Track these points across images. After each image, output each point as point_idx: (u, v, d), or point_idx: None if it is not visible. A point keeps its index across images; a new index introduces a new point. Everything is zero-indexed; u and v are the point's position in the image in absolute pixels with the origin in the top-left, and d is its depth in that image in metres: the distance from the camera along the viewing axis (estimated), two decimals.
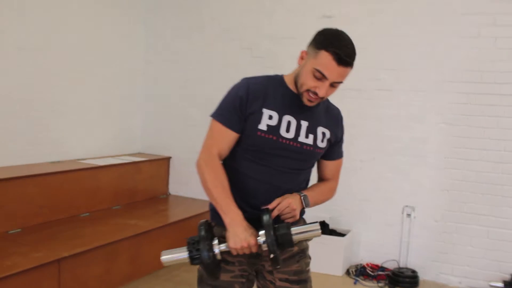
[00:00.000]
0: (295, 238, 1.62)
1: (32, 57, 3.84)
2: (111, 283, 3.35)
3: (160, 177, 4.79)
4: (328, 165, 1.96)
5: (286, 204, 1.71)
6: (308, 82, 1.65)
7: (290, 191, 1.79)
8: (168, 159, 4.90)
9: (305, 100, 1.70)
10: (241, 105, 1.71)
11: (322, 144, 1.81)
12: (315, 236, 1.68)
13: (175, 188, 4.92)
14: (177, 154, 4.87)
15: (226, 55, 4.56)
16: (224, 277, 1.77)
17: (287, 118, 1.74)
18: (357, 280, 3.79)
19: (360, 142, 4.04)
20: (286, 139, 1.73)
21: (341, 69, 1.61)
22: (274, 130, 1.71)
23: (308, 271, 1.89)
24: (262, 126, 1.71)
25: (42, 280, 2.86)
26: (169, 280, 3.63)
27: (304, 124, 1.76)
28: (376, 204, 4.02)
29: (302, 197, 1.78)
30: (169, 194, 4.93)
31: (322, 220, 4.03)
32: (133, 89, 4.93)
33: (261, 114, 1.71)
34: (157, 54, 4.95)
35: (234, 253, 1.61)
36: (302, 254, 1.89)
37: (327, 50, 1.61)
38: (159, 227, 3.73)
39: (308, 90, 1.67)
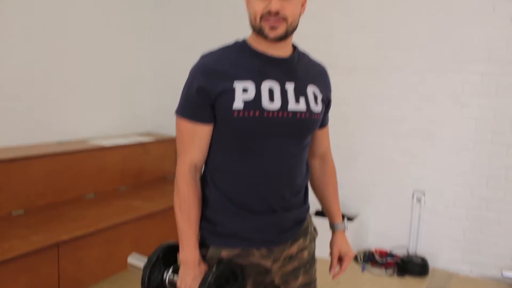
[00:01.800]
0: None
1: (41, 36, 3.73)
2: (112, 267, 3.25)
3: (168, 157, 4.64)
4: (321, 134, 1.67)
5: (349, 261, 1.59)
6: (256, 7, 1.37)
7: (298, 177, 1.50)
8: None
9: (267, 32, 1.37)
10: (202, 90, 1.39)
11: (317, 108, 1.48)
12: None
13: None
14: None
15: (237, 33, 4.35)
16: None
17: (267, 84, 1.40)
18: (364, 267, 3.62)
19: (370, 124, 3.86)
20: (272, 111, 1.38)
21: None
22: (254, 104, 1.37)
23: (315, 279, 1.68)
24: (238, 104, 1.36)
25: (40, 264, 2.76)
26: None
27: (290, 86, 1.43)
28: (385, 188, 3.85)
29: (344, 229, 1.63)
30: None
31: None
32: (143, 68, 4.79)
33: (232, 90, 1.37)
34: (167, 33, 4.80)
35: None
36: (312, 261, 1.65)
37: None
38: (164, 209, 3.61)
39: (262, 16, 1.36)
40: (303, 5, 1.45)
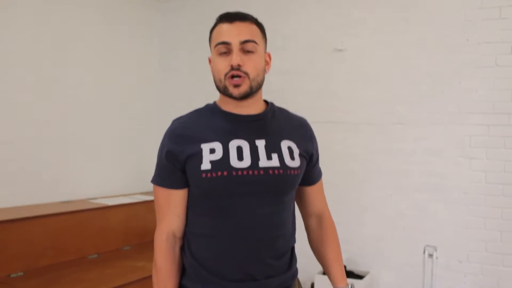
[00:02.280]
0: None
1: (44, 94, 3.73)
2: None
3: None
4: (312, 191, 1.57)
5: None
6: (219, 66, 1.38)
7: (282, 240, 1.40)
8: None
9: (232, 90, 1.37)
10: (171, 155, 1.40)
11: (294, 163, 1.40)
12: None
13: None
14: None
15: None
16: None
17: (235, 143, 1.36)
18: None
19: (376, 178, 3.76)
20: (242, 169, 1.33)
21: (237, 25, 1.37)
22: (221, 163, 1.33)
23: None
24: (205, 165, 1.33)
25: None
26: None
27: (261, 143, 1.38)
28: (395, 243, 3.69)
29: None
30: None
31: None
32: (148, 126, 4.77)
33: (200, 152, 1.35)
34: (172, 91, 4.82)
35: None
36: None
37: (215, 25, 1.43)
38: None
39: (226, 75, 1.37)
40: (267, 63, 1.44)
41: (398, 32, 3.69)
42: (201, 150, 1.36)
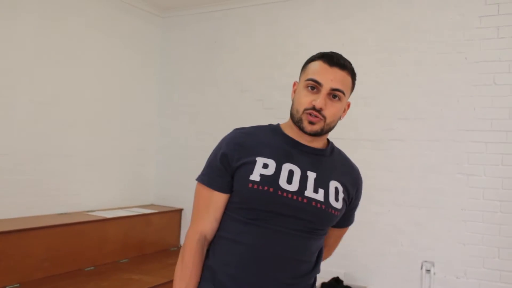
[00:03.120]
0: None
1: (44, 109, 3.68)
2: None
3: (171, 229, 4.47)
4: (333, 233, 1.60)
5: None
6: (303, 99, 1.39)
7: (304, 264, 1.40)
8: (180, 211, 4.60)
9: (305, 125, 1.39)
10: (225, 158, 1.40)
11: (337, 204, 1.42)
12: None
13: None
14: (189, 205, 4.50)
15: (239, 107, 4.33)
16: None
17: (288, 166, 1.38)
18: None
19: (374, 194, 3.70)
20: (288, 191, 1.34)
21: (335, 71, 1.37)
22: (270, 180, 1.35)
23: None
24: (255, 176, 1.35)
25: None
26: None
27: (312, 175, 1.40)
28: (393, 259, 3.62)
29: None
30: (181, 246, 4.53)
31: (336, 276, 3.62)
32: (147, 140, 4.73)
33: (253, 163, 1.37)
34: (171, 106, 4.79)
35: None
36: None
37: (314, 59, 1.41)
38: (164, 283, 3.37)
39: (305, 110, 1.38)
40: (345, 110, 1.47)
41: (398, 50, 3.67)
42: (255, 161, 1.37)
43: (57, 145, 3.76)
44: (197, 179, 1.46)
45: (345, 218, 1.56)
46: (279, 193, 1.33)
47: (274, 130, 1.49)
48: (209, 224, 1.42)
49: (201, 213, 1.42)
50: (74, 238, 3.45)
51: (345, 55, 4.10)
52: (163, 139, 4.80)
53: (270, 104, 4.19)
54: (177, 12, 4.78)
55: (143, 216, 4.12)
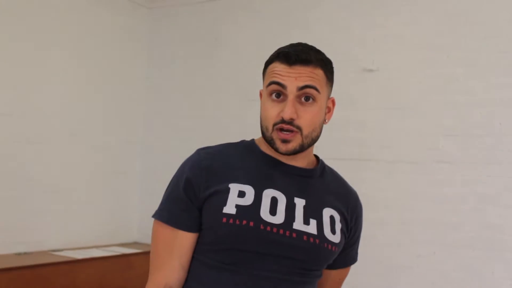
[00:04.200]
0: None
1: (3, 123, 3.66)
2: None
3: None
4: (331, 275, 1.55)
5: None
6: (269, 112, 1.37)
7: None
8: None
9: (278, 145, 1.36)
10: (190, 188, 1.37)
11: (334, 237, 1.41)
12: None
13: None
14: None
15: (244, 120, 4.29)
16: None
17: (269, 193, 1.36)
18: None
19: (415, 232, 3.62)
20: (272, 225, 1.32)
21: (297, 69, 1.35)
22: (249, 211, 1.33)
23: None
24: (229, 209, 1.32)
25: None
26: None
27: (300, 202, 1.39)
28: None
29: None
30: None
31: None
32: (129, 161, 4.73)
33: (227, 192, 1.35)
34: (159, 119, 4.79)
35: None
36: None
37: (272, 61, 1.42)
38: None
39: (275, 125, 1.35)
40: (329, 110, 1.43)
41: (444, 48, 3.63)
42: (228, 189, 1.35)
43: (14, 167, 3.74)
44: (154, 216, 1.42)
45: (345, 256, 1.54)
46: (262, 227, 1.32)
47: (249, 147, 1.48)
48: (174, 273, 1.38)
49: (161, 260, 1.39)
50: (35, 285, 3.41)
51: (377, 54, 4.06)
52: (149, 160, 4.78)
53: None
54: (168, 1, 4.79)
55: (123, 257, 4.10)
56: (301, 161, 1.45)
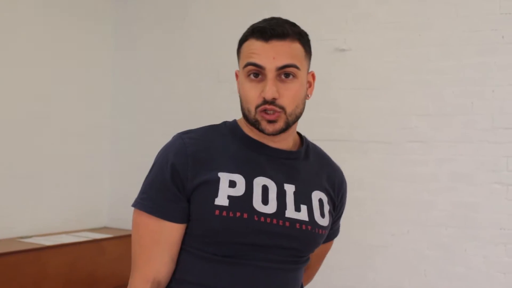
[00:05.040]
0: None
1: None
2: None
3: (130, 259, 4.34)
4: (319, 251, 1.58)
5: None
6: (250, 94, 1.34)
7: None
8: None
9: (264, 126, 1.34)
10: (177, 176, 1.31)
11: (323, 221, 1.41)
12: None
13: None
14: None
15: (215, 102, 4.26)
16: None
17: (260, 181, 1.34)
18: None
19: (389, 211, 3.66)
20: (266, 215, 1.31)
21: (274, 45, 1.32)
22: (242, 202, 1.30)
23: None
24: (221, 200, 1.28)
25: None
26: None
27: (290, 189, 1.37)
28: None
29: None
30: None
31: None
32: (97, 146, 4.66)
33: (216, 182, 1.31)
34: (128, 101, 4.73)
35: None
36: None
37: (247, 38, 1.39)
38: None
39: (258, 107, 1.32)
40: (310, 85, 1.41)
41: (416, 27, 3.64)
42: (218, 179, 1.31)
43: None
44: (135, 206, 1.36)
45: (330, 231, 1.55)
46: (255, 218, 1.30)
47: (232, 131, 1.44)
48: (163, 267, 1.33)
49: (147, 253, 1.33)
50: (3, 273, 3.36)
51: (349, 33, 4.07)
52: (118, 143, 4.73)
53: None
54: None
55: (93, 243, 4.06)
56: (285, 142, 1.44)
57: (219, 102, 4.27)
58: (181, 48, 4.48)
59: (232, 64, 4.29)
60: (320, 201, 1.43)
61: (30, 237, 3.91)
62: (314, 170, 1.48)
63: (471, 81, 3.48)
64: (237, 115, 4.49)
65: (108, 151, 4.74)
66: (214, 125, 1.47)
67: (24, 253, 3.51)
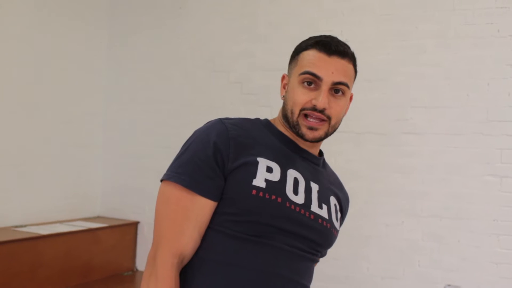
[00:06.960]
0: None
1: None
2: None
3: (125, 248, 4.40)
4: None
5: None
6: (299, 97, 1.39)
7: None
8: (135, 224, 4.53)
9: (305, 131, 1.39)
10: (218, 156, 1.33)
11: (337, 224, 1.50)
12: None
13: (144, 262, 4.49)
14: (147, 218, 4.50)
15: (210, 92, 4.26)
16: None
17: (292, 173, 1.39)
18: None
19: (383, 201, 3.69)
20: (296, 204, 1.36)
21: (335, 61, 1.39)
22: (277, 188, 1.34)
23: None
24: (259, 182, 1.32)
25: None
26: None
27: (315, 187, 1.44)
28: (408, 282, 3.62)
29: None
30: (136, 270, 4.53)
31: None
32: (91, 135, 4.64)
33: (255, 165, 1.34)
34: (122, 91, 4.70)
35: None
36: None
37: (308, 48, 1.43)
38: None
39: (302, 110, 1.38)
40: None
41: (413, 19, 3.66)
42: (256, 162, 1.35)
43: None
44: (168, 178, 1.35)
45: None
46: (287, 204, 1.34)
47: (267, 126, 1.49)
48: (192, 242, 1.32)
49: (179, 227, 1.32)
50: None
51: (345, 25, 4.12)
52: (112, 132, 4.71)
53: (251, 89, 4.13)
54: None
55: (88, 232, 4.06)
56: (314, 149, 1.50)
57: (214, 91, 4.27)
58: (175, 38, 4.46)
59: (228, 54, 4.31)
60: (335, 206, 1.50)
61: (25, 226, 3.89)
62: (329, 180, 1.55)
63: (466, 74, 3.50)
64: (232, 105, 4.55)
65: (102, 140, 4.72)
66: (248, 118, 1.51)
67: (20, 242, 3.50)
